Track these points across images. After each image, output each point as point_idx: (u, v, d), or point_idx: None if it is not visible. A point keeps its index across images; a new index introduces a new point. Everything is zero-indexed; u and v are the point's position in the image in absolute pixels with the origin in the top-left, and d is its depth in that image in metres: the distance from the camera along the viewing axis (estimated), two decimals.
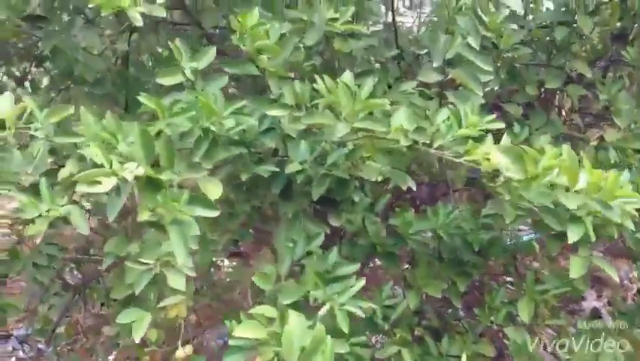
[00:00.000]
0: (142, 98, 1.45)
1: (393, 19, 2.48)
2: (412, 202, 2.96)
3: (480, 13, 1.78)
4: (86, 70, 2.19)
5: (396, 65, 2.38)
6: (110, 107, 2.57)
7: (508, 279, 2.58)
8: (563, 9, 2.44)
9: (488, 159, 1.37)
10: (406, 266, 2.43)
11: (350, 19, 1.87)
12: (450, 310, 2.55)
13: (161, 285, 1.56)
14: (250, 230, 2.20)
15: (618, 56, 2.56)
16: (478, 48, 1.82)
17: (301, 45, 1.85)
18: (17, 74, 2.97)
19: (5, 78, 2.97)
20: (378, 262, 2.73)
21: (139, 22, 1.46)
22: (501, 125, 1.60)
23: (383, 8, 2.88)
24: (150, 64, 3.12)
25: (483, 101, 2.09)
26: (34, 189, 1.46)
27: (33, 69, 2.92)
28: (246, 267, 2.51)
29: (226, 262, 3.26)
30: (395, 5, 2.61)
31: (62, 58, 2.26)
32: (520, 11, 2.66)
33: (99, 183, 1.26)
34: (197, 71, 1.62)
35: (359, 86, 1.56)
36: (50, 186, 1.44)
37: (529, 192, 1.34)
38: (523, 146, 1.36)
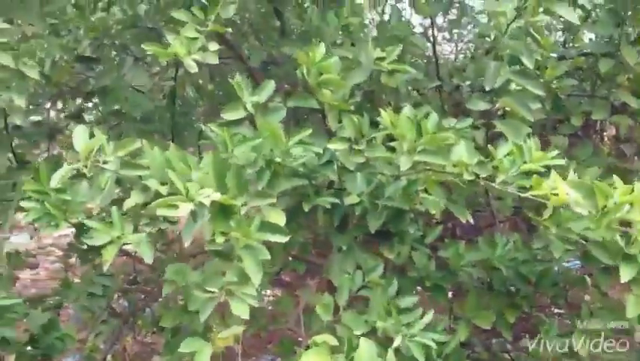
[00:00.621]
0: (212, 127, 1.49)
1: (434, 51, 2.51)
2: (453, 233, 2.95)
3: (533, 32, 1.78)
4: (133, 108, 2.24)
5: (438, 95, 2.41)
6: (158, 140, 2.67)
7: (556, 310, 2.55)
8: (606, 40, 2.43)
9: (556, 194, 1.36)
10: (451, 296, 2.41)
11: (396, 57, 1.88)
12: (496, 342, 2.51)
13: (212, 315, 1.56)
14: (302, 261, 2.20)
15: None
16: (532, 68, 1.81)
17: None
18: (71, 109, 3.05)
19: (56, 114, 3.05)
20: None
21: (194, 69, 1.52)
22: (562, 161, 1.58)
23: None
24: (196, 98, 3.21)
25: (529, 131, 2.10)
26: (101, 219, 1.49)
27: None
28: (290, 297, 2.50)
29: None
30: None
31: (112, 97, 2.33)
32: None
33: (176, 207, 1.28)
34: (258, 104, 1.64)
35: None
36: (121, 213, 1.47)
37: (600, 228, 1.32)
38: (595, 182, 1.35)
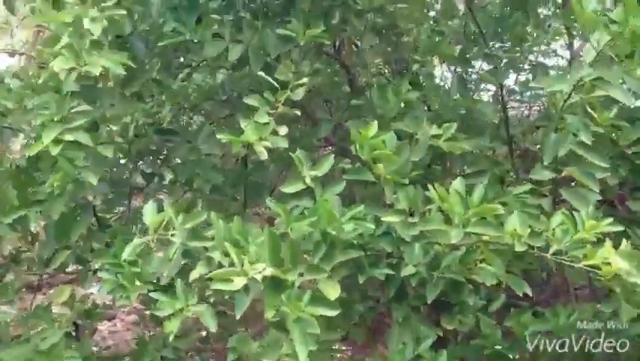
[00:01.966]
0: (269, 203, 1.62)
1: (505, 114, 2.57)
2: (530, 301, 2.92)
3: (589, 109, 1.82)
4: (204, 184, 2.42)
5: (510, 159, 2.45)
6: (231, 205, 2.86)
7: None
8: None
9: (608, 264, 1.39)
10: None
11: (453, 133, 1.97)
12: None
13: None
14: (363, 330, 2.27)
15: None
16: (590, 143, 1.83)
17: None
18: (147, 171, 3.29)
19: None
20: None
21: (265, 156, 1.67)
22: (619, 228, 1.60)
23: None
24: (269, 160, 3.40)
25: (600, 198, 2.11)
26: (169, 289, 1.64)
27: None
28: None
29: None
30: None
31: (184, 172, 2.52)
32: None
33: (231, 281, 1.41)
34: (317, 178, 1.78)
35: (469, 191, 1.65)
36: (185, 285, 1.61)
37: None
38: None
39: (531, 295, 1.81)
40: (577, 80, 1.71)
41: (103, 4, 1.83)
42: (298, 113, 1.98)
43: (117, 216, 3.04)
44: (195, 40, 2.15)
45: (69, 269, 2.66)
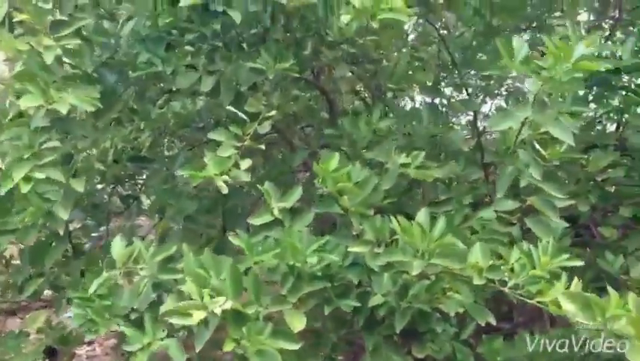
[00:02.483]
0: (231, 238, 1.67)
1: (479, 141, 2.63)
2: (510, 323, 2.96)
3: (537, 146, 1.88)
4: (178, 213, 2.46)
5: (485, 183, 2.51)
6: (209, 231, 2.90)
7: None
8: None
9: (557, 303, 1.44)
10: None
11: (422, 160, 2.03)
12: None
13: None
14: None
15: None
16: (540, 179, 1.90)
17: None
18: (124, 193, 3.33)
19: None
20: None
21: (225, 190, 1.72)
22: (579, 262, 1.66)
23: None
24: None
25: (567, 225, 2.17)
26: (139, 322, 1.68)
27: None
28: None
29: None
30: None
31: (158, 201, 2.56)
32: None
33: (190, 315, 1.45)
34: (286, 210, 1.83)
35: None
36: (153, 319, 1.65)
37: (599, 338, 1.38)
38: (589, 295, 1.42)
39: (495, 323, 1.85)
40: (523, 118, 1.78)
41: (59, 34, 1.88)
42: (262, 146, 2.02)
43: (95, 241, 3.09)
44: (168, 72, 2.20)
45: (45, 293, 2.70)
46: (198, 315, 1.42)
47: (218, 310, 1.43)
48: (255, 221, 1.81)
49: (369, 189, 1.86)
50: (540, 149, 1.84)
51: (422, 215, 1.72)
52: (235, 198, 3.24)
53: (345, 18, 1.87)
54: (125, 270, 1.68)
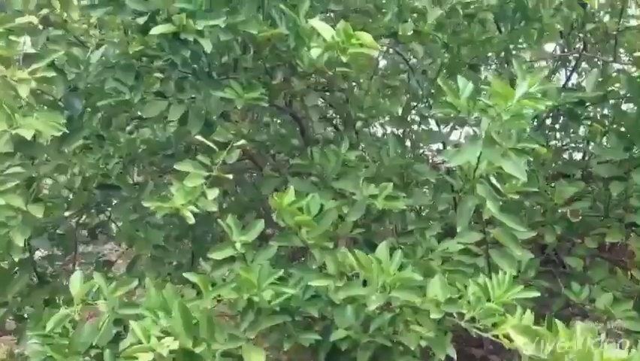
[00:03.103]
0: (187, 275, 1.69)
1: (448, 171, 2.69)
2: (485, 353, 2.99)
3: (494, 182, 1.93)
4: (144, 245, 2.47)
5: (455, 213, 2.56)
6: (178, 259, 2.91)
7: None
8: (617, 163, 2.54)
9: (509, 337, 1.48)
10: None
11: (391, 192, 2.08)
12: None
13: None
14: None
15: None
16: (498, 213, 1.95)
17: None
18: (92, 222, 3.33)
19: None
20: None
21: (192, 221, 1.74)
22: (534, 293, 1.71)
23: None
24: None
25: (531, 256, 2.22)
26: (99, 359, 1.69)
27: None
28: None
29: None
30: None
31: (124, 232, 2.57)
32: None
33: (136, 358, 1.47)
34: (248, 243, 1.85)
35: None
36: (114, 356, 1.66)
37: None
38: (538, 327, 1.46)
39: (454, 357, 1.88)
40: (476, 154, 1.84)
41: (34, 66, 1.91)
42: (230, 176, 2.04)
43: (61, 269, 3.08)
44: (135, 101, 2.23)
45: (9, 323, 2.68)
46: (145, 357, 1.43)
47: (165, 352, 1.44)
48: (216, 255, 1.84)
49: (329, 222, 1.89)
50: (496, 183, 1.88)
51: (381, 249, 1.75)
52: (205, 226, 3.27)
53: (315, 52, 1.91)
54: (84, 305, 1.68)
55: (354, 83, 3.17)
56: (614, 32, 2.66)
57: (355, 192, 2.16)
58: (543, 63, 3.38)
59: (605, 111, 2.88)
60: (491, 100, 1.73)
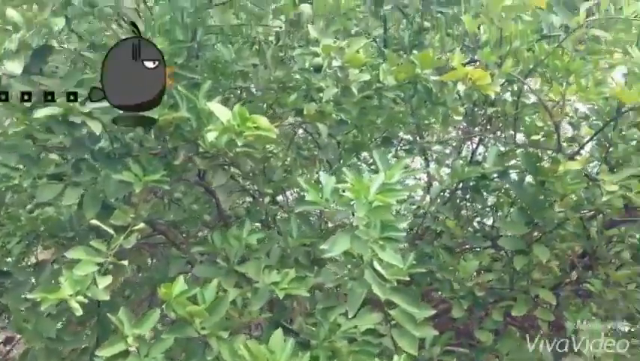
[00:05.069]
0: None
1: None
2: None
3: (378, 267, 2.00)
4: (36, 334, 2.42)
5: None
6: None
7: None
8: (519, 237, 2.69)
9: None
10: None
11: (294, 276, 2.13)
12: None
13: None
14: None
15: (580, 283, 2.79)
16: (385, 295, 2.03)
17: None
18: None
19: None
20: None
21: (79, 312, 1.73)
22: None
23: None
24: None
25: (435, 333, 2.30)
26: None
27: None
28: None
29: None
30: None
31: (16, 320, 2.51)
32: None
33: None
34: (142, 337, 1.85)
35: None
36: None
37: None
38: None
39: None
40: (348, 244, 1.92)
41: None
42: (125, 263, 2.04)
43: None
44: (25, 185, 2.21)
45: None
46: None
47: None
48: (107, 352, 1.82)
49: (223, 311, 1.91)
50: (380, 269, 1.96)
51: (276, 337, 1.79)
52: (111, 306, 3.21)
53: (210, 135, 1.98)
54: None
55: (270, 154, 3.26)
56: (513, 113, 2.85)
57: (257, 280, 2.21)
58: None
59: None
60: (350, 194, 1.84)
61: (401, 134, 3.52)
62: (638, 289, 2.65)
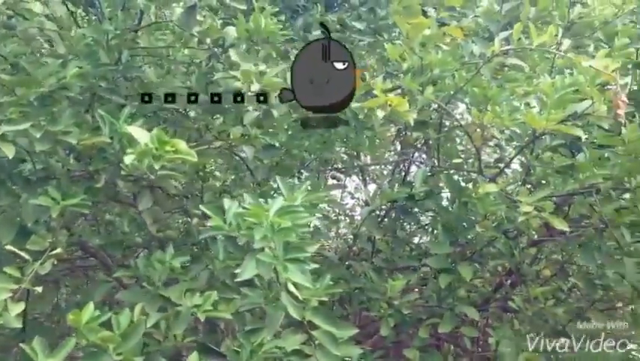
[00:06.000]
0: None
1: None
2: None
3: (292, 289, 2.01)
4: None
5: None
6: None
7: None
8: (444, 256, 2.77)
9: None
10: None
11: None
12: None
13: None
14: None
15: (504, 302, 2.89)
16: (301, 319, 2.07)
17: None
18: None
19: None
20: None
21: None
22: None
23: None
24: None
25: (361, 352, 2.34)
26: None
27: None
28: None
29: None
30: None
31: None
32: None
33: None
34: None
35: None
36: None
37: None
38: None
39: None
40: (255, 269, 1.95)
41: None
42: (39, 289, 2.03)
43: None
44: None
45: None
46: None
47: None
48: None
49: (138, 337, 1.92)
50: (294, 290, 2.00)
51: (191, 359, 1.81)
52: (38, 332, 3.16)
53: (128, 158, 1.99)
54: None
55: (208, 175, 3.28)
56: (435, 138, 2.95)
57: (180, 304, 2.22)
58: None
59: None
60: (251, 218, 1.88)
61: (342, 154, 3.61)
62: (557, 306, 2.75)
